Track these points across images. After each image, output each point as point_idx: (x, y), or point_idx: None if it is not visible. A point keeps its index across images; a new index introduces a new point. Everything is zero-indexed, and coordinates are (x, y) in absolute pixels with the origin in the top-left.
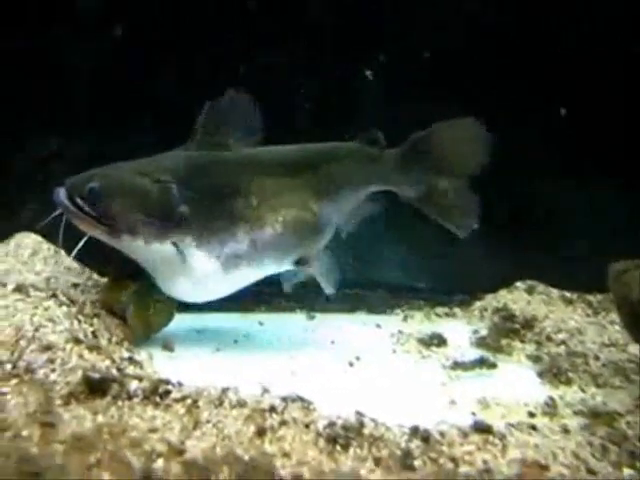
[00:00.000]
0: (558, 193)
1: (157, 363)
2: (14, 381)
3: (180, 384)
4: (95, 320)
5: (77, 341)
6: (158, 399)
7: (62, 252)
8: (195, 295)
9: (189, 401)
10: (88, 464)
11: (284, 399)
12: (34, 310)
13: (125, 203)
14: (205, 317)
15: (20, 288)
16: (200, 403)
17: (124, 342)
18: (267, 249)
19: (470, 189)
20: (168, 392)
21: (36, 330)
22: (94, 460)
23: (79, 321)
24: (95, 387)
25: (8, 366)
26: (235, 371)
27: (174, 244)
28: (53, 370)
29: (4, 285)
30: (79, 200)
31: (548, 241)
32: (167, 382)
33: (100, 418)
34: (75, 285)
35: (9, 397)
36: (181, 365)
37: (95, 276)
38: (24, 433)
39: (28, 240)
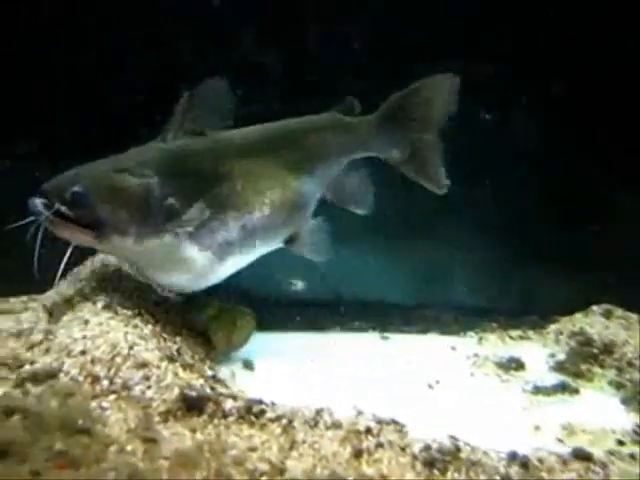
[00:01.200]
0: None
1: (239, 381)
2: (112, 397)
3: (273, 404)
4: (178, 338)
5: (171, 359)
6: (253, 418)
7: None
8: (191, 285)
9: (284, 421)
10: None
11: (379, 421)
12: (125, 328)
13: (113, 203)
14: (281, 336)
15: (109, 306)
16: (295, 423)
17: (206, 360)
18: (257, 233)
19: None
20: (263, 411)
21: (131, 348)
22: (200, 477)
23: (164, 339)
24: (192, 405)
25: (105, 382)
26: (316, 391)
27: (167, 237)
28: (149, 387)
29: (94, 303)
30: (61, 207)
31: (624, 264)
32: (260, 402)
33: (199, 436)
34: (157, 303)
35: (109, 412)
36: (263, 383)
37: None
38: (128, 448)
39: (111, 257)
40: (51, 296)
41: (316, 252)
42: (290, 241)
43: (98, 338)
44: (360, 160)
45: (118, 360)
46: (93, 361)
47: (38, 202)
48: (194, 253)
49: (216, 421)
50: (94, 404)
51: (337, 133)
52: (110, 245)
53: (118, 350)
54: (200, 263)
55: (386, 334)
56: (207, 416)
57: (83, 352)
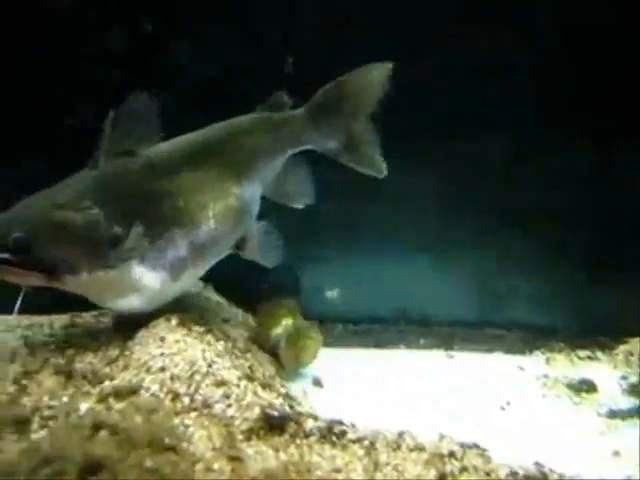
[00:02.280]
0: None
1: (310, 399)
2: (194, 414)
3: (353, 425)
4: (248, 355)
5: (250, 378)
6: (335, 439)
7: (210, 286)
8: (148, 306)
9: (366, 443)
10: None
11: (462, 445)
12: (201, 345)
13: (58, 243)
14: (346, 352)
15: (183, 323)
16: (378, 445)
17: (276, 377)
18: (206, 245)
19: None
20: (344, 432)
21: (209, 366)
22: None
23: (236, 356)
24: (273, 424)
25: (186, 399)
26: (387, 409)
27: (118, 267)
28: (229, 405)
29: (168, 320)
30: (5, 255)
31: None
32: (341, 422)
33: (282, 455)
34: (226, 320)
35: (192, 430)
36: (334, 401)
37: (242, 312)
38: (215, 466)
39: None
40: None
41: (266, 257)
42: (239, 247)
43: (176, 355)
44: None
45: (197, 378)
46: (173, 378)
47: None
48: (147, 277)
49: (298, 441)
50: (177, 421)
51: (269, 131)
52: (63, 283)
53: (197, 368)
54: (155, 285)
55: (451, 352)
56: (289, 436)
57: (162, 369)
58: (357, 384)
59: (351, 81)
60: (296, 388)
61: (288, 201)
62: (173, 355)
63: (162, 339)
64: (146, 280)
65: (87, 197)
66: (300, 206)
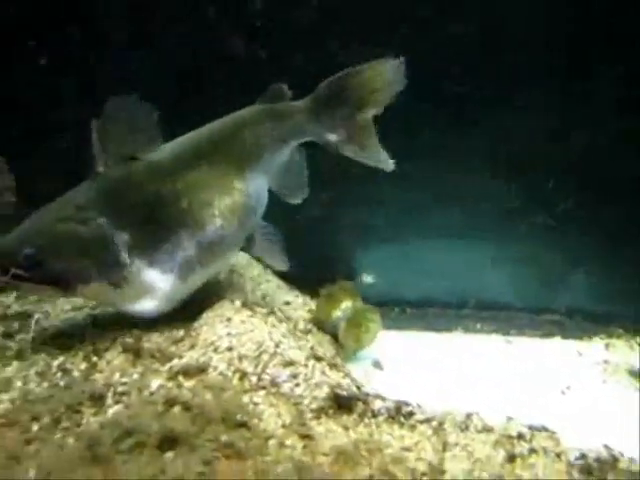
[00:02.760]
0: None
1: (371, 380)
2: (262, 393)
3: (419, 406)
4: (309, 336)
5: (318, 358)
6: (402, 419)
7: (269, 270)
8: (159, 309)
9: (434, 423)
10: (360, 478)
11: (530, 427)
12: (267, 326)
13: (68, 256)
14: (404, 335)
15: (246, 304)
16: (446, 426)
17: (336, 359)
18: (214, 245)
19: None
20: (412, 413)
21: (277, 346)
22: (363, 474)
23: (298, 338)
24: (342, 404)
25: (254, 378)
26: (449, 392)
27: (128, 272)
28: (297, 385)
29: (232, 301)
30: (18, 271)
31: None
32: (407, 403)
33: (352, 434)
34: (287, 302)
35: (261, 407)
36: (395, 383)
37: (301, 294)
38: (287, 442)
39: (241, 259)
40: None
41: (271, 259)
42: (246, 245)
43: (243, 335)
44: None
45: (265, 357)
46: (240, 358)
47: None
48: (157, 280)
49: (366, 420)
50: (246, 399)
51: (270, 123)
52: (77, 293)
53: (264, 348)
54: (165, 288)
55: (509, 337)
56: (357, 415)
57: (229, 348)
58: (416, 367)
59: (358, 74)
60: (356, 370)
61: (286, 196)
62: (240, 335)
63: (228, 320)
64: (156, 283)
65: (91, 208)
66: (297, 201)
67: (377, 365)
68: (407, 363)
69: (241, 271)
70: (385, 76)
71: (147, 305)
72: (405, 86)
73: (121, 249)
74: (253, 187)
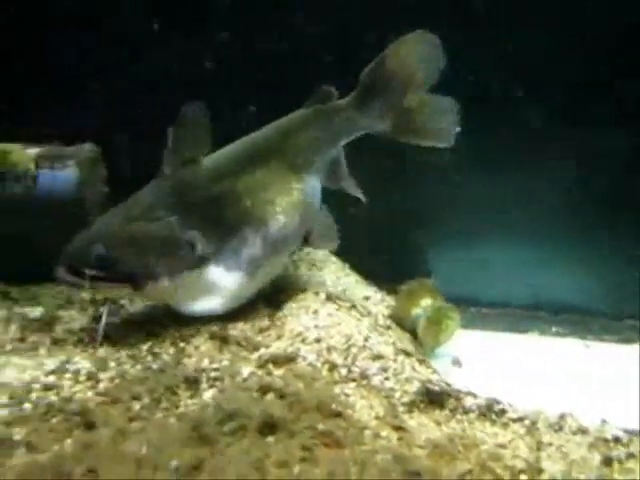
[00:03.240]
0: None
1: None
2: (352, 384)
3: (511, 405)
4: (390, 332)
5: (407, 353)
6: (494, 417)
7: (347, 265)
8: (227, 307)
9: (527, 422)
10: (460, 472)
11: (626, 431)
12: (353, 320)
13: (137, 254)
14: (481, 335)
15: (330, 297)
16: (539, 425)
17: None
18: (278, 242)
19: (438, 94)
20: (504, 411)
21: (365, 340)
22: (462, 469)
23: (380, 333)
24: (433, 399)
25: (343, 370)
26: (529, 393)
27: (197, 270)
28: (387, 378)
29: (317, 294)
30: (89, 271)
31: None
32: (498, 401)
33: (444, 429)
34: (366, 297)
35: (353, 399)
36: (476, 381)
37: (379, 290)
38: (383, 434)
39: (320, 254)
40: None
41: (326, 242)
42: (305, 239)
43: (331, 328)
44: None
45: (354, 350)
46: (329, 349)
47: (62, 271)
48: (224, 278)
49: (458, 416)
50: (337, 390)
51: (320, 124)
52: (147, 292)
53: (353, 341)
54: (232, 286)
55: (587, 342)
56: (449, 411)
57: (318, 340)
58: (495, 366)
59: (389, 55)
60: (437, 367)
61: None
62: (328, 327)
63: (315, 312)
64: (224, 281)
65: (160, 207)
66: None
67: (456, 363)
68: (484, 362)
69: (320, 265)
70: (418, 50)
71: (213, 304)
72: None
73: (191, 247)
74: (309, 185)
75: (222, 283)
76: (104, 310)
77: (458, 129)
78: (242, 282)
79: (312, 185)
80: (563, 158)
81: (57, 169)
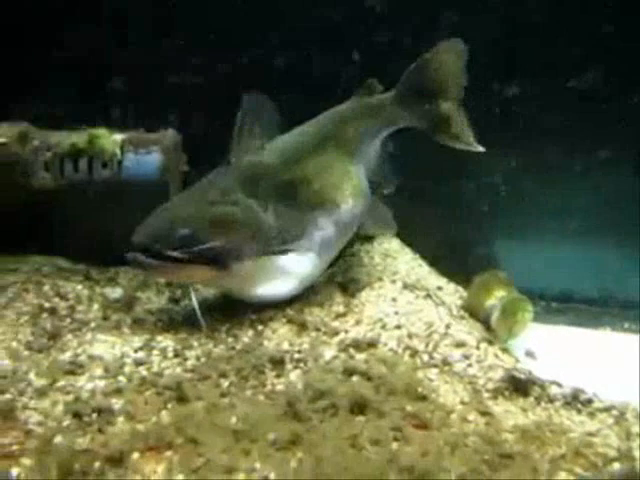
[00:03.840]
0: None
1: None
2: (435, 370)
3: (596, 395)
4: (464, 322)
5: (489, 342)
6: (580, 406)
7: (418, 255)
8: (296, 291)
9: (615, 412)
10: (553, 457)
11: None
12: (432, 307)
13: (223, 234)
14: (551, 329)
15: (406, 286)
16: (628, 416)
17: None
18: (347, 224)
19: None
20: (590, 400)
21: (447, 327)
22: (553, 453)
23: (456, 322)
24: (518, 387)
25: (425, 356)
26: (607, 388)
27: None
28: (470, 365)
29: (393, 282)
30: (172, 252)
31: None
32: (584, 391)
33: (531, 416)
34: (439, 288)
35: (436, 384)
36: (553, 373)
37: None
38: (470, 417)
39: (393, 244)
40: (340, 273)
41: (384, 227)
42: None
43: (411, 315)
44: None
45: (435, 337)
46: (410, 336)
47: (140, 255)
48: (300, 261)
49: (543, 404)
50: (420, 375)
51: (367, 116)
52: (231, 275)
53: (435, 328)
54: (307, 268)
55: None
56: (533, 399)
57: (398, 327)
58: (568, 360)
59: (430, 61)
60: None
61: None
62: (408, 314)
63: (394, 299)
64: (299, 264)
65: (235, 191)
66: (390, 191)
67: (530, 354)
68: (557, 356)
69: (395, 255)
70: (455, 58)
71: (287, 287)
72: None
73: (268, 229)
74: (362, 173)
75: (297, 266)
76: (192, 295)
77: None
78: (315, 265)
79: (363, 173)
80: (633, 154)
81: (141, 154)
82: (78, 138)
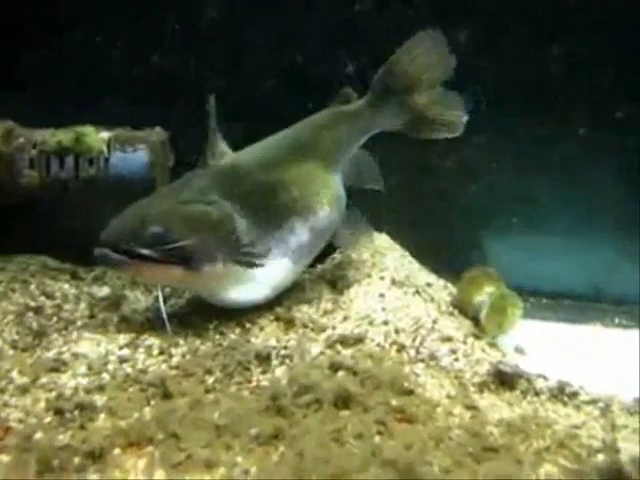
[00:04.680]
0: None
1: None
2: (421, 365)
3: (582, 388)
4: (452, 318)
5: (476, 336)
6: (566, 399)
7: (407, 253)
8: (269, 296)
9: (601, 404)
10: (537, 449)
11: None
12: (420, 303)
13: (196, 234)
14: (541, 325)
15: (395, 282)
16: (613, 408)
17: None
18: (322, 232)
19: (446, 89)
20: (576, 393)
21: (434, 322)
22: (537, 446)
23: (443, 318)
24: (504, 380)
25: (412, 351)
26: (597, 384)
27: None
28: (457, 360)
29: (382, 279)
30: (142, 250)
31: None
32: (570, 384)
33: (516, 409)
34: (428, 284)
35: (423, 379)
36: (541, 368)
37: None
38: (455, 411)
39: (382, 241)
40: (329, 270)
41: (357, 235)
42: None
43: (398, 311)
44: None
45: (422, 332)
46: (397, 331)
47: (108, 252)
48: (274, 266)
49: (529, 398)
50: (407, 369)
51: (343, 124)
52: (201, 277)
53: (422, 323)
54: (281, 274)
55: None
56: (519, 392)
57: (385, 322)
58: (557, 356)
59: (399, 58)
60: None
61: (361, 185)
62: (396, 310)
63: (381, 295)
64: (272, 269)
65: (212, 192)
66: (376, 188)
67: (519, 350)
68: (546, 352)
69: (384, 252)
70: (426, 51)
71: (259, 293)
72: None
73: (245, 231)
74: (338, 181)
75: (271, 273)
76: (160, 295)
77: (466, 118)
78: (288, 271)
79: (339, 181)
80: (627, 150)
81: (129, 152)
82: (64, 136)
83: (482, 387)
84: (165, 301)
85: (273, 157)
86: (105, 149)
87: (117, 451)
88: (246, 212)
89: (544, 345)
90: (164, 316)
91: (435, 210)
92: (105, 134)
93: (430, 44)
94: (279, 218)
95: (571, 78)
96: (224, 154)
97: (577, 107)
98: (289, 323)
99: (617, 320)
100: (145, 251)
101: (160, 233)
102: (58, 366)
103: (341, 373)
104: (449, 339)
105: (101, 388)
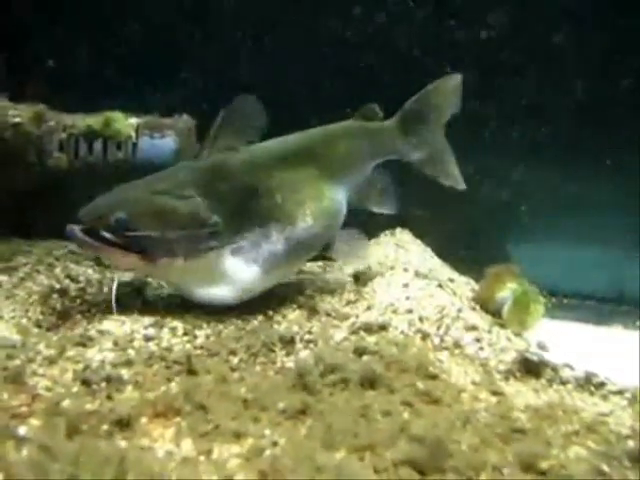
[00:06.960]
0: None
1: None
2: (445, 352)
3: (608, 379)
4: (474, 313)
5: (502, 325)
6: (592, 388)
7: (429, 249)
8: (236, 298)
9: (628, 395)
10: (565, 432)
11: None
12: (445, 293)
13: (158, 226)
14: (562, 325)
15: (418, 274)
16: None
17: None
18: (301, 244)
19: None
20: (602, 384)
21: (459, 311)
22: (565, 430)
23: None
24: (530, 369)
25: (436, 339)
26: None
27: (213, 255)
28: (481, 348)
29: (405, 270)
30: (105, 233)
31: None
32: (596, 374)
33: (543, 396)
34: (451, 279)
35: (447, 365)
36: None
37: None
38: (480, 396)
39: (405, 236)
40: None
41: (348, 258)
42: (325, 249)
43: (422, 300)
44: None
45: (447, 321)
46: (421, 319)
47: (77, 229)
48: (240, 268)
49: (555, 386)
50: (431, 356)
51: (362, 139)
52: (158, 268)
53: (446, 312)
54: (246, 278)
55: None
56: (545, 380)
57: (409, 311)
58: (579, 355)
59: (435, 92)
60: None
61: (371, 207)
62: (419, 299)
63: (405, 285)
64: (238, 272)
65: (189, 186)
66: (386, 212)
67: (542, 346)
68: (568, 351)
69: (407, 246)
70: (456, 91)
71: (224, 293)
72: None
73: (213, 230)
74: (339, 196)
75: (236, 274)
76: (114, 277)
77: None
78: (256, 277)
79: (341, 196)
80: None
81: (156, 138)
82: (94, 120)
83: (507, 375)
84: (115, 282)
85: (270, 159)
86: (133, 134)
87: (144, 420)
88: (221, 210)
89: (565, 344)
90: (113, 297)
91: (458, 209)
92: (134, 120)
93: (457, 85)
94: (255, 221)
95: None
96: (228, 150)
97: None
98: (312, 311)
99: (638, 323)
100: (107, 235)
101: (123, 220)
102: (84, 341)
103: (366, 357)
104: (474, 328)
105: (127, 363)
